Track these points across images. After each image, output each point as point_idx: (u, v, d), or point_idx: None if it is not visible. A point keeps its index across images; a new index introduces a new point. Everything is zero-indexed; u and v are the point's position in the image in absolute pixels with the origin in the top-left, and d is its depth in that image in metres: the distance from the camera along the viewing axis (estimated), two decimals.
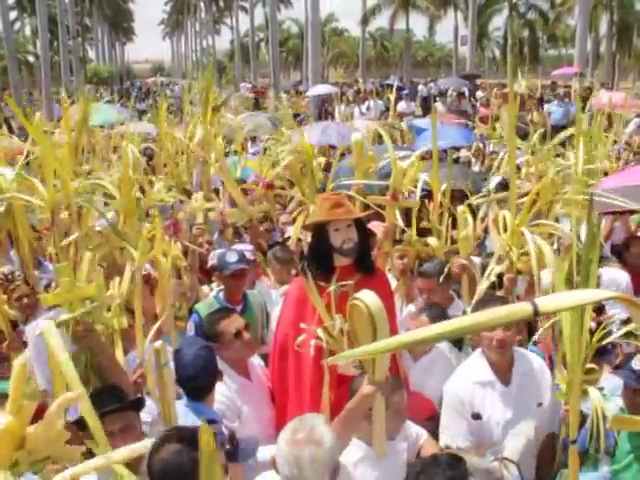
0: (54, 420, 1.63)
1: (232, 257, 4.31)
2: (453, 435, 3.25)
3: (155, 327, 3.34)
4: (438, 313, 3.83)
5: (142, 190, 5.32)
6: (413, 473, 2.42)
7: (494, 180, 6.54)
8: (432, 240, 4.64)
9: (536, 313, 1.47)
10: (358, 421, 2.76)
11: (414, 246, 4.62)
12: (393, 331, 3.42)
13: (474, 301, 3.92)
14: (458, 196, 5.28)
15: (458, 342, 3.94)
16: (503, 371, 3.31)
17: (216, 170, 6.51)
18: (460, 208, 4.57)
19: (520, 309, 1.48)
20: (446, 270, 4.20)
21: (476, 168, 9.07)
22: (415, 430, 3.16)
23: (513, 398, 3.27)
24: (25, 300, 4.31)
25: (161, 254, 4.07)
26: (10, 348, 3.81)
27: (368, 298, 2.58)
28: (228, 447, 2.63)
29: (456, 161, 8.10)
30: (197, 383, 3.08)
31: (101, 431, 1.86)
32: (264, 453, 2.93)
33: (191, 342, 3.36)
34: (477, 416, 3.25)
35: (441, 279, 4.14)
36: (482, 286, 3.95)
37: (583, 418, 3.17)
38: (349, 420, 2.73)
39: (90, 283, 3.04)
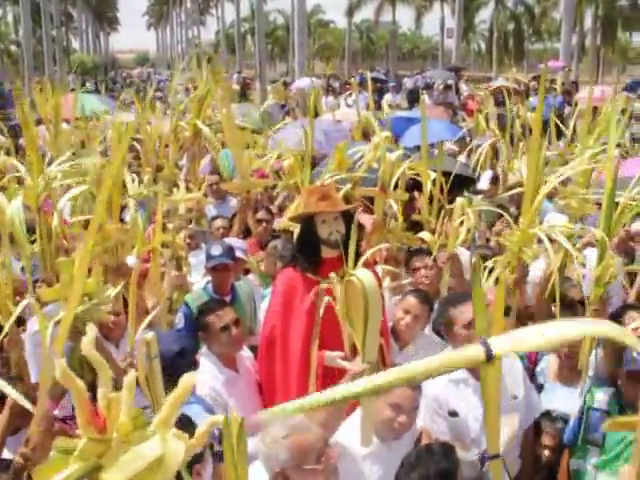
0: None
1: (216, 250, 4.30)
2: (432, 433, 3.26)
3: (147, 320, 3.32)
4: (423, 295, 3.84)
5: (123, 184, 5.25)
6: (408, 464, 2.43)
7: (486, 175, 6.58)
8: (425, 234, 4.66)
9: (489, 358, 1.37)
10: (346, 404, 2.73)
11: (396, 234, 4.62)
12: (382, 322, 3.44)
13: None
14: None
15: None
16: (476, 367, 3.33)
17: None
18: (458, 199, 4.58)
19: (473, 354, 1.38)
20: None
21: (461, 159, 9.11)
22: (418, 424, 3.18)
23: None
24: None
25: (159, 244, 4.03)
26: (9, 343, 3.71)
27: (363, 275, 2.59)
28: (218, 449, 2.59)
29: None
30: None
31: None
32: (250, 446, 2.93)
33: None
34: (454, 413, 3.25)
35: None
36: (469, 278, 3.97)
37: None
38: (336, 403, 2.71)
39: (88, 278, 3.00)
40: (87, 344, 1.50)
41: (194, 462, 2.09)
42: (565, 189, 4.70)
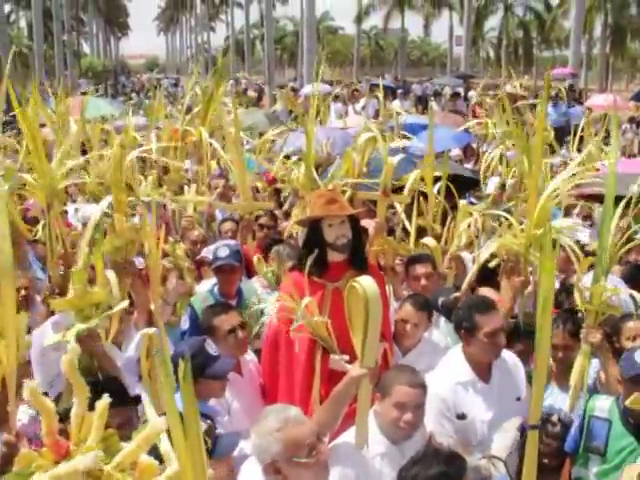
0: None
1: (223, 252, 4.33)
2: (438, 435, 3.26)
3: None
4: (421, 301, 3.86)
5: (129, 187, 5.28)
6: (410, 460, 2.44)
7: (492, 181, 6.60)
8: (429, 240, 4.67)
9: None
10: (344, 406, 2.77)
11: (391, 245, 4.64)
12: (385, 326, 3.46)
13: (462, 289, 3.97)
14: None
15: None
16: (483, 369, 3.34)
17: (227, 161, 6.44)
18: (461, 202, 4.59)
19: None
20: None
21: (468, 166, 9.13)
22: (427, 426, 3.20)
23: (495, 395, 3.30)
24: (23, 292, 4.31)
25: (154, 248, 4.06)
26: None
27: (365, 282, 2.62)
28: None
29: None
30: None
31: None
32: (244, 447, 2.95)
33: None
34: (461, 416, 3.26)
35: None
36: (469, 278, 3.98)
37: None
38: (335, 404, 2.75)
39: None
40: (67, 364, 1.56)
41: None
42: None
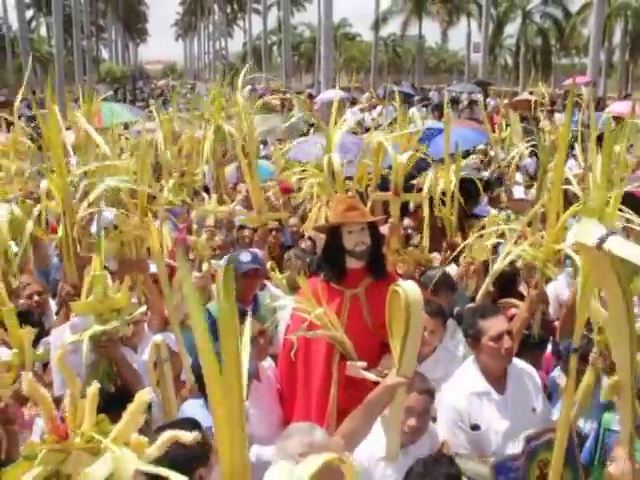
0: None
1: (246, 257, 4.33)
2: (452, 446, 3.24)
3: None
4: (434, 308, 3.82)
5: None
6: (420, 461, 2.42)
7: (517, 190, 6.59)
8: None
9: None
10: (377, 415, 2.67)
11: (412, 255, 4.63)
12: None
13: (477, 299, 3.93)
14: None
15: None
16: (497, 380, 3.31)
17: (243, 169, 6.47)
18: (492, 212, 4.56)
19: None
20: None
21: (485, 174, 9.09)
22: (440, 435, 3.17)
23: (509, 406, 3.27)
24: (36, 297, 4.33)
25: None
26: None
27: (408, 286, 2.53)
28: None
29: None
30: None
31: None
32: (268, 453, 2.94)
33: None
34: (476, 427, 3.23)
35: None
36: (484, 287, 3.95)
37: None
38: (368, 412, 2.66)
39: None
40: (57, 359, 1.80)
41: (195, 463, 2.08)
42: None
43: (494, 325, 3.26)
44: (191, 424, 2.23)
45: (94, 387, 1.64)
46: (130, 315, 3.08)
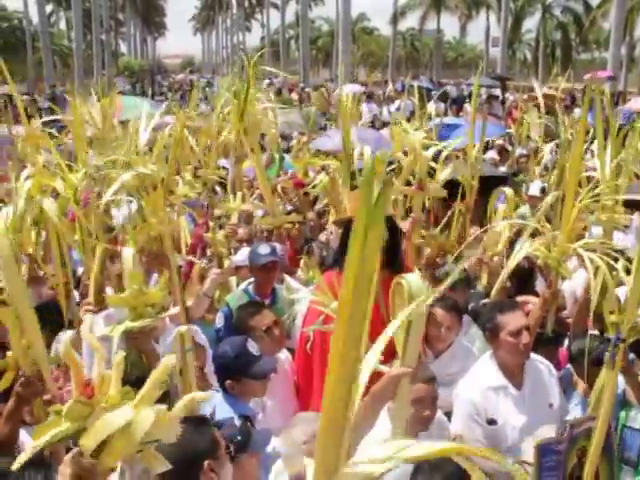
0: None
1: (264, 249, 4.35)
2: (468, 441, 3.24)
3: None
4: (450, 303, 3.81)
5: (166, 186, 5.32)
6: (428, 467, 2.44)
7: (536, 185, 6.55)
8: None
9: None
10: (381, 406, 2.74)
11: (436, 240, 4.63)
12: None
13: (492, 295, 3.92)
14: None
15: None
16: (514, 375, 3.31)
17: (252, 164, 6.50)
18: (501, 207, 4.54)
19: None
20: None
21: (502, 169, 9.05)
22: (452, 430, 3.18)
23: (526, 401, 3.27)
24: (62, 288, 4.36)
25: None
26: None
27: (411, 279, 2.56)
28: (239, 439, 2.62)
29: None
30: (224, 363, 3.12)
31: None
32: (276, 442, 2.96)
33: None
34: (492, 422, 3.24)
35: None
36: (499, 283, 3.93)
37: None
38: (372, 403, 2.70)
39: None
40: (64, 346, 1.79)
41: (203, 455, 2.10)
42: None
43: (512, 320, 3.26)
44: (201, 420, 2.24)
45: (120, 356, 1.69)
46: (164, 311, 3.11)
